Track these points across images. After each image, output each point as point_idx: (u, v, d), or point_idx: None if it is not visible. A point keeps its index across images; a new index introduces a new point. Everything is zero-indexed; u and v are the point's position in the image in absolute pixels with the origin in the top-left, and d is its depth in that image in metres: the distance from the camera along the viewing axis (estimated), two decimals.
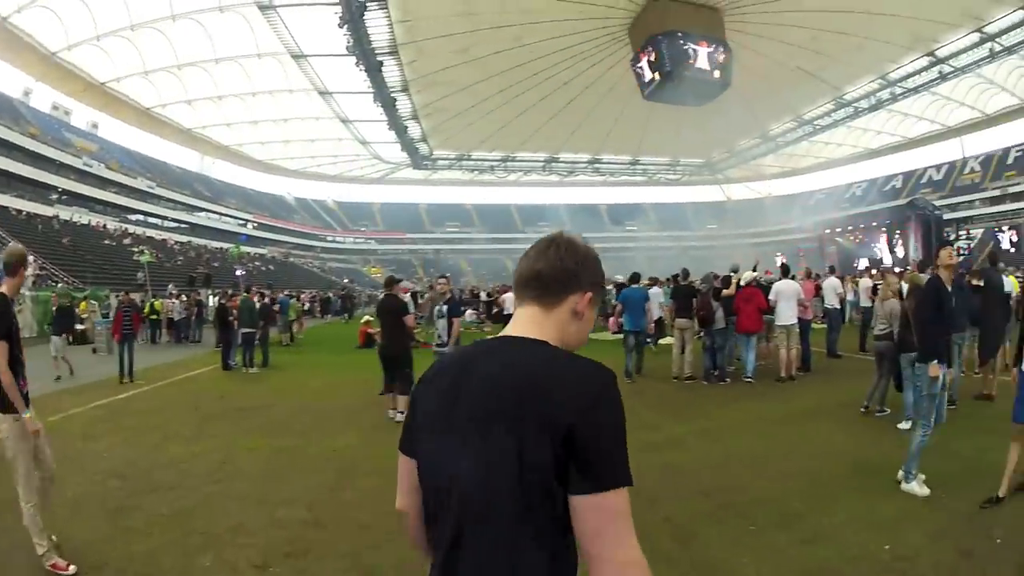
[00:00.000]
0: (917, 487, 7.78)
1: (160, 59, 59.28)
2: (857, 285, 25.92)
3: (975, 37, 58.36)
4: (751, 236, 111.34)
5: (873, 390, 12.56)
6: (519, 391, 1.82)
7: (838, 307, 21.61)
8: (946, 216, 70.64)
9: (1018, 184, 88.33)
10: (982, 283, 14.12)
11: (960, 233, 77.34)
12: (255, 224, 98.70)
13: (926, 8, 51.21)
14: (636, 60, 50.94)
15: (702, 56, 48.41)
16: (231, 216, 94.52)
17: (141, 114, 70.98)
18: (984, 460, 8.61)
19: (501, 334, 2.10)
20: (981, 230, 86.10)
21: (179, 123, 75.15)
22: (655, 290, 21.48)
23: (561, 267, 2.09)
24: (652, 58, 48.76)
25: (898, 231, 59.83)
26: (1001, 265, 17.45)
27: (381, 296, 15.46)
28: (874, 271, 38.54)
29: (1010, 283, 15.10)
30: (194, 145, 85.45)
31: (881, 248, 63.39)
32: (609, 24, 51.15)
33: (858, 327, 23.87)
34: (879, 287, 22.70)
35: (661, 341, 24.89)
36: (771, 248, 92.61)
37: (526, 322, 2.09)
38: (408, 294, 31.47)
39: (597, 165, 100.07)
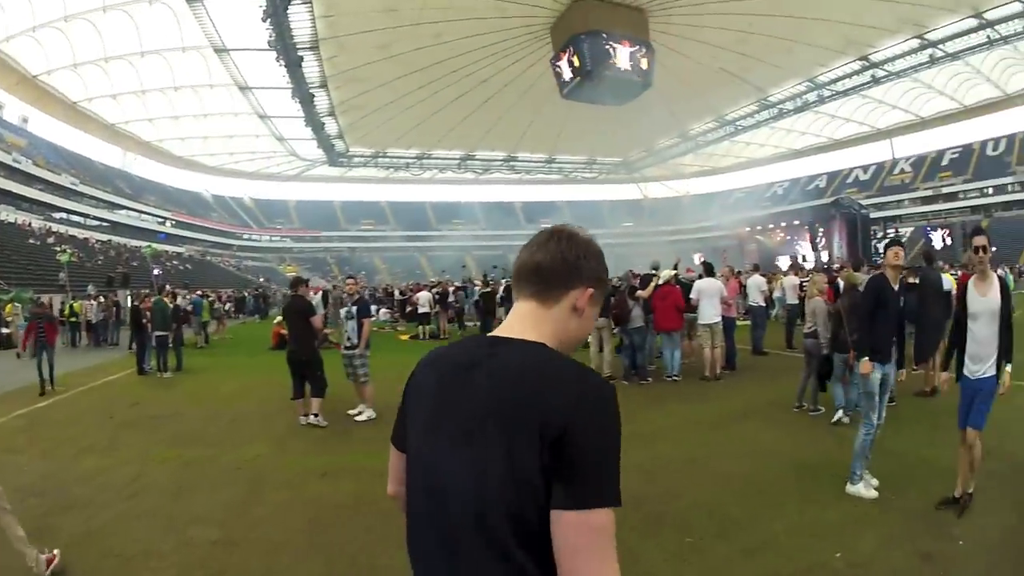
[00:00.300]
0: (863, 489, 7.67)
1: (89, 52, 58.11)
2: (782, 282, 25.30)
3: (915, 43, 59.71)
4: (669, 234, 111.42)
5: (803, 388, 12.58)
6: (515, 394, 1.73)
7: (762, 304, 21.62)
8: (873, 215, 72.32)
9: (952, 185, 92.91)
10: (917, 281, 14.20)
11: (888, 232, 77.64)
12: (173, 222, 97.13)
13: (864, 14, 52.20)
14: (556, 59, 51.22)
15: (623, 56, 48.64)
16: (150, 214, 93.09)
17: (68, 108, 69.37)
18: (928, 458, 8.75)
19: (497, 332, 1.98)
20: (910, 229, 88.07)
21: (103, 118, 73.60)
22: None
23: (562, 260, 1.99)
24: (573, 57, 48.93)
25: (822, 229, 60.78)
26: (939, 263, 17.32)
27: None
28: (801, 269, 38.99)
29: (949, 281, 14.69)
30: (117, 141, 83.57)
31: (804, 246, 64.40)
32: (531, 23, 51.41)
33: (784, 324, 23.80)
34: (805, 285, 22.64)
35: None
36: (689, 246, 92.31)
37: (524, 320, 1.99)
38: (319, 293, 31.32)
39: (513, 163, 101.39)
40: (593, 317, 2.06)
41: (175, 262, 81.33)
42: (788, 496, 7.82)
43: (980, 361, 6.96)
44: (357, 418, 12.59)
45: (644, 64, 49.79)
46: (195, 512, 7.91)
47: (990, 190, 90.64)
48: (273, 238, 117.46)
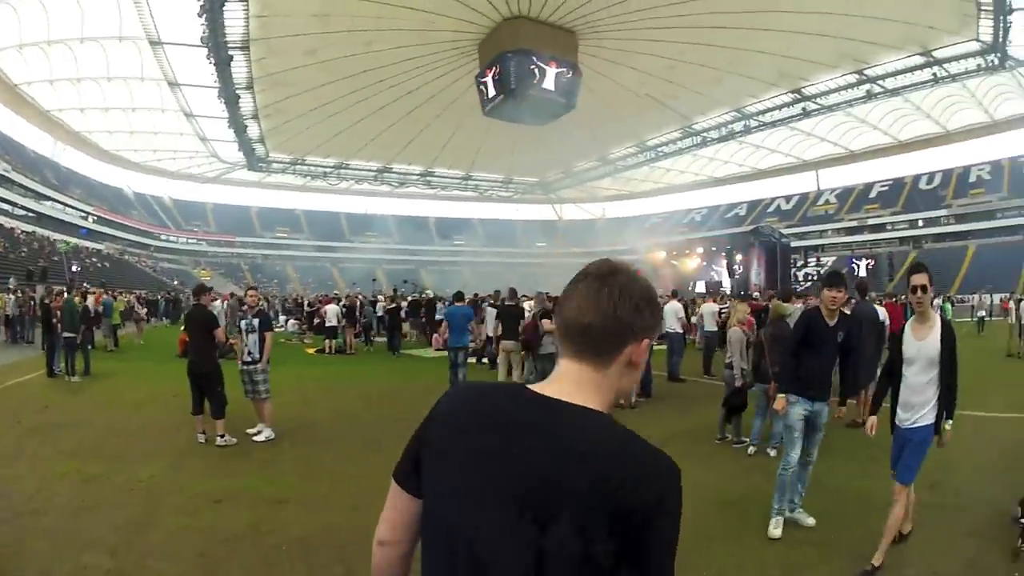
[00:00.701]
0: (772, 528, 7.47)
1: (35, 33, 56.80)
2: (701, 310, 25.52)
3: (852, 78, 60.71)
4: (582, 256, 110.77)
5: (724, 419, 12.34)
6: (593, 476, 1.62)
7: (679, 331, 21.11)
8: (794, 244, 73.17)
9: (880, 216, 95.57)
10: (848, 312, 13.79)
11: (809, 261, 79.16)
12: (95, 218, 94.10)
13: (802, 49, 53.33)
14: (482, 75, 51.71)
15: (550, 77, 49.34)
16: (74, 208, 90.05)
17: (9, 90, 67.54)
18: (864, 491, 8.70)
19: (548, 392, 1.80)
20: (833, 258, 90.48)
21: (40, 104, 71.71)
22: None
23: (616, 319, 1.81)
24: (498, 74, 49.36)
25: (740, 256, 60.58)
26: (872, 295, 17.23)
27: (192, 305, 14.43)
28: (719, 296, 39.52)
29: (883, 312, 15.50)
30: (50, 128, 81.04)
31: (721, 272, 64.60)
32: (461, 37, 51.80)
33: (701, 351, 23.74)
34: (724, 312, 22.46)
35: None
36: None
37: (578, 383, 1.82)
38: (222, 302, 31.35)
39: (429, 178, 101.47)
40: (645, 362, 1.94)
41: (94, 259, 79.92)
42: (717, 536, 7.51)
43: (911, 409, 6.54)
44: (255, 438, 12.03)
45: (569, 86, 50.53)
46: (91, 535, 7.54)
47: (920, 222, 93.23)
48: (189, 241, 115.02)
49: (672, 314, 20.61)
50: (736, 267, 59.93)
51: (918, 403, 6.47)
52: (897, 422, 6.70)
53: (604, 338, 1.80)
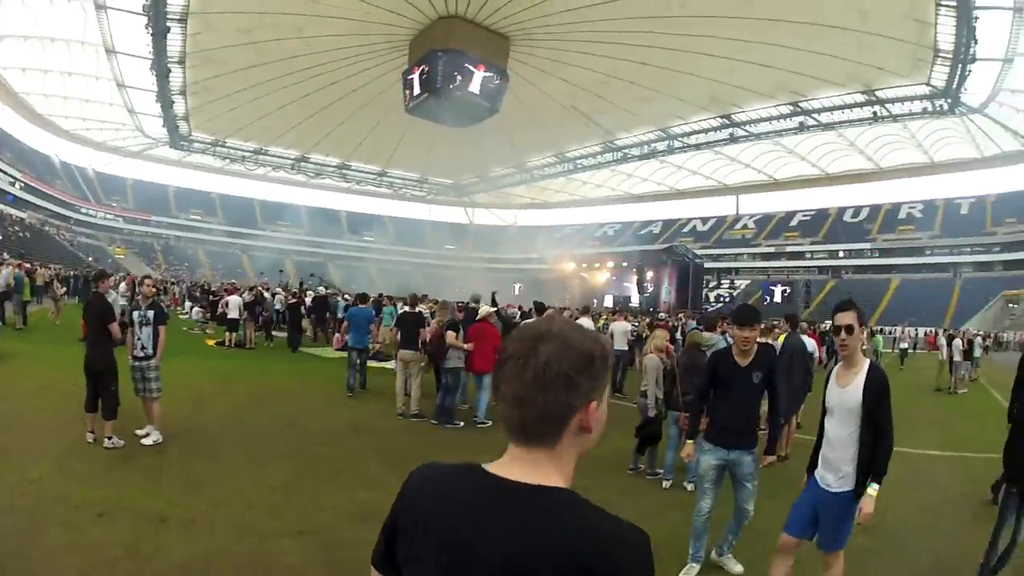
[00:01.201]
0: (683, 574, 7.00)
1: None
2: (612, 328, 23.41)
3: (787, 109, 61.47)
4: (490, 262, 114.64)
5: (637, 449, 11.67)
6: (557, 561, 1.61)
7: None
8: (708, 265, 75.71)
9: (800, 244, 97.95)
10: (766, 347, 13.42)
11: (722, 282, 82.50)
12: (23, 184, 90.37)
13: (740, 76, 53.99)
14: (409, 72, 51.78)
15: (476, 80, 49.32)
16: (3, 172, 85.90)
17: None
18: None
19: (506, 473, 1.79)
20: (747, 282, 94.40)
21: None
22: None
23: (549, 403, 1.71)
24: (425, 72, 49.31)
25: (651, 273, 61.40)
26: (803, 324, 17.12)
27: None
28: (630, 313, 38.85)
29: (812, 344, 15.69)
30: None
31: (630, 288, 65.77)
32: (394, 32, 51.66)
33: (611, 369, 22.36)
34: (634, 329, 21.90)
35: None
36: (511, 277, 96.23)
37: (532, 463, 1.78)
38: (129, 286, 30.34)
39: (345, 171, 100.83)
40: (605, 412, 1.86)
41: (16, 228, 77.90)
42: None
43: (831, 468, 5.62)
44: (143, 440, 10.94)
45: (496, 91, 50.76)
46: None
47: (841, 253, 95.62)
48: (107, 216, 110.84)
49: (621, 333, 20.85)
50: (647, 284, 60.78)
51: (837, 461, 5.54)
52: (816, 475, 5.80)
53: (542, 424, 1.72)
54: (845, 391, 5.51)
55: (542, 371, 1.67)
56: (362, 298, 19.17)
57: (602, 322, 30.89)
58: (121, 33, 55.80)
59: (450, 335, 14.80)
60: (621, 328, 22.39)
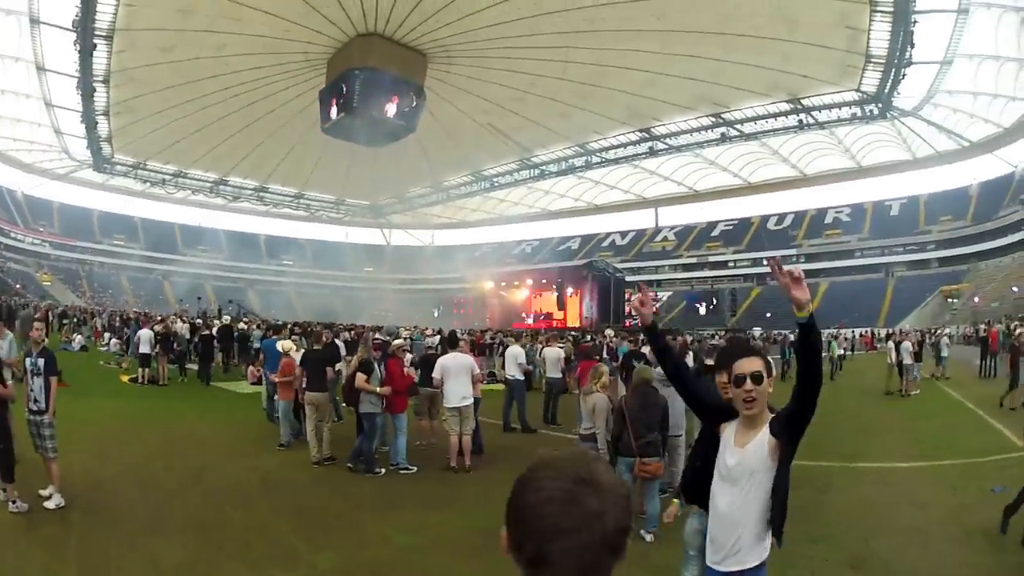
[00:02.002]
0: None
1: None
2: (543, 354, 22.81)
3: (708, 121, 62.06)
4: (408, 283, 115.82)
5: None
6: None
7: (521, 378, 18.75)
8: (629, 278, 75.69)
9: (723, 254, 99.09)
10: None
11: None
12: None
13: (659, 90, 54.56)
14: (326, 90, 51.68)
15: (393, 98, 49.23)
16: None
17: None
18: None
19: None
20: (669, 293, 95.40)
21: None
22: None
23: (614, 561, 1.64)
24: (342, 91, 48.99)
25: (571, 289, 62.03)
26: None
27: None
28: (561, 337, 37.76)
29: None
30: None
31: (551, 305, 65.49)
32: (312, 50, 51.67)
33: (543, 395, 21.04)
34: (561, 347, 21.22)
35: None
36: (430, 297, 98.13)
37: None
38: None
39: (263, 194, 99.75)
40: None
41: None
42: None
43: (721, 547, 4.40)
44: (46, 503, 9.78)
45: (413, 109, 50.81)
46: None
47: (765, 261, 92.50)
48: (35, 241, 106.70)
49: (512, 359, 19.18)
50: (564, 300, 61.64)
51: (726, 537, 4.33)
52: (708, 562, 4.56)
53: None
54: (747, 451, 4.21)
55: (612, 534, 1.55)
56: (276, 329, 19.31)
57: (525, 345, 28.82)
58: (52, 50, 54.46)
59: (360, 378, 13.21)
60: (554, 355, 21.23)
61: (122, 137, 70.00)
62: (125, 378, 26.94)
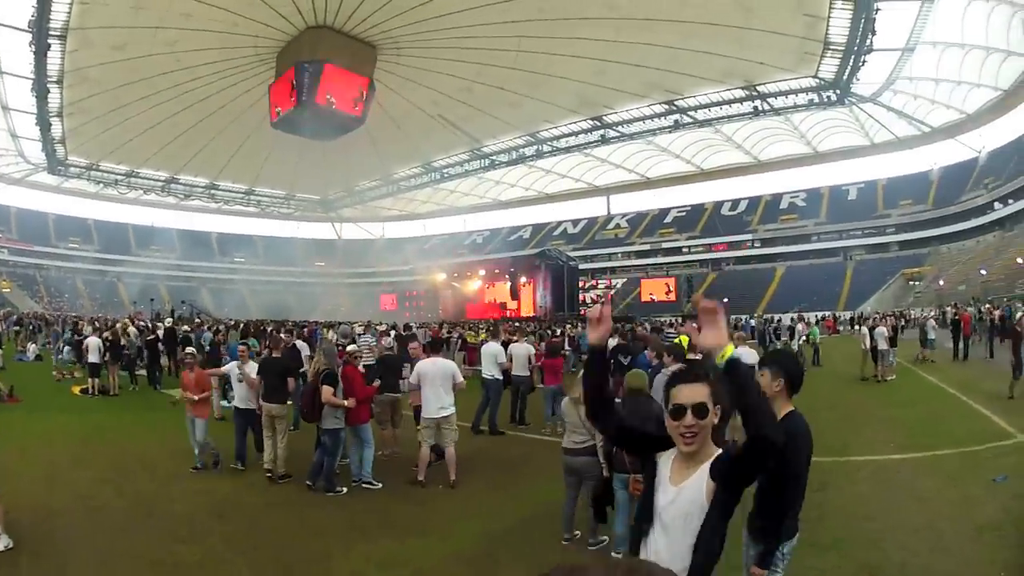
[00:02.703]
0: None
1: None
2: (511, 351, 20.95)
3: (660, 108, 62.37)
4: (361, 276, 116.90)
5: (572, 516, 9.27)
6: None
7: (499, 377, 17.43)
8: (583, 267, 77.28)
9: (676, 240, 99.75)
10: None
11: (600, 282, 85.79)
12: None
13: (610, 77, 54.53)
14: (275, 85, 51.52)
15: (343, 91, 49.14)
16: None
17: None
18: None
19: None
20: (623, 280, 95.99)
21: None
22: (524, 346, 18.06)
23: None
24: (292, 85, 48.83)
25: (524, 279, 62.87)
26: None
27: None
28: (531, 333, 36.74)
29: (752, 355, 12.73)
30: None
31: (503, 294, 66.60)
32: (262, 44, 51.45)
33: (512, 394, 18.69)
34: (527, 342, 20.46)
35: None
36: (381, 290, 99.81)
37: None
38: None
39: (214, 191, 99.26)
40: None
41: None
42: None
43: None
44: None
45: (362, 101, 50.75)
46: None
47: (716, 245, 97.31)
48: None
49: (491, 358, 17.60)
50: (518, 290, 62.42)
51: None
52: None
53: None
54: (682, 490, 3.39)
55: None
56: (243, 334, 16.95)
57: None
58: (6, 52, 53.58)
59: (326, 391, 11.49)
60: (522, 351, 18.65)
61: (76, 138, 69.21)
62: (77, 389, 24.97)
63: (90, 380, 23.69)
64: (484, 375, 17.63)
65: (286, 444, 12.52)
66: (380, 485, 11.80)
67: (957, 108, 63.84)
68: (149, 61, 51.81)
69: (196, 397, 12.86)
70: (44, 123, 62.80)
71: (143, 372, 27.36)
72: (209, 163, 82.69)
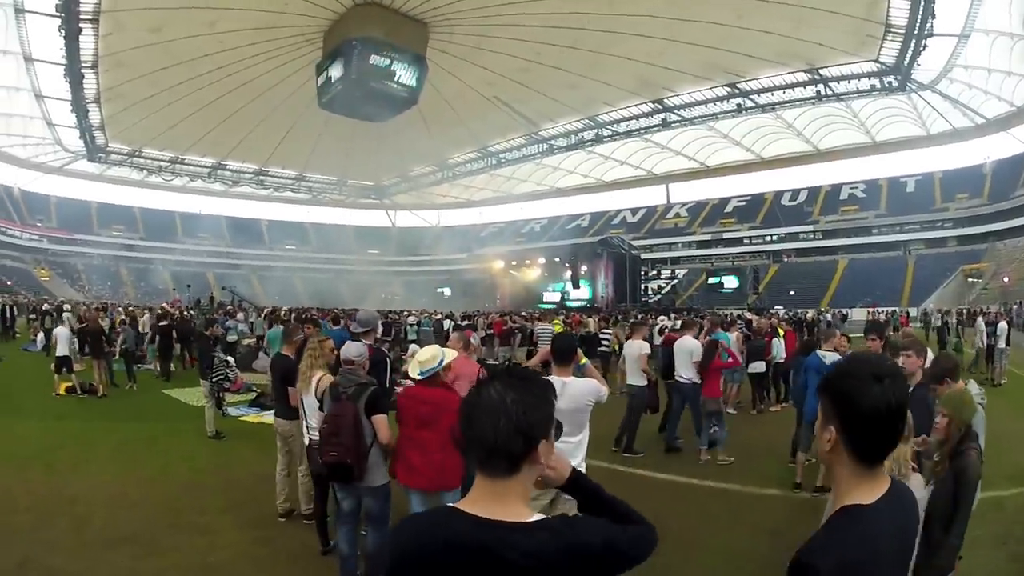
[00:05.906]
0: None
1: None
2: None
3: (723, 91, 60.77)
4: (416, 265, 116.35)
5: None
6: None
7: (643, 385, 13.05)
8: (643, 256, 75.00)
9: (738, 230, 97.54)
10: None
11: (662, 273, 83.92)
12: None
13: (671, 58, 52.98)
14: (323, 64, 49.96)
15: (395, 69, 47.69)
16: None
17: None
18: None
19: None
20: (686, 271, 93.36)
21: None
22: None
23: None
24: (341, 63, 47.49)
25: (585, 267, 61.20)
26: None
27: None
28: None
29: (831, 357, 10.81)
30: None
31: (567, 284, 64.60)
32: (308, 22, 49.83)
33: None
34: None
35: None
36: (437, 279, 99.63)
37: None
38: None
39: (263, 177, 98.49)
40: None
41: None
42: None
43: None
44: None
45: (415, 80, 49.28)
46: None
47: (774, 237, 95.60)
48: (32, 236, 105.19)
49: (635, 361, 13.19)
50: (578, 279, 61.30)
51: None
52: None
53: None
54: None
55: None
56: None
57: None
58: (38, 39, 53.01)
59: (380, 423, 6.78)
60: (635, 352, 13.63)
61: (115, 125, 68.89)
62: (62, 387, 19.90)
63: (71, 377, 19.99)
64: (629, 382, 13.67)
65: (307, 471, 8.55)
66: None
67: (1008, 100, 61.75)
68: (188, 43, 50.77)
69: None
70: (80, 109, 62.13)
71: (150, 367, 24.88)
72: (257, 148, 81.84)
